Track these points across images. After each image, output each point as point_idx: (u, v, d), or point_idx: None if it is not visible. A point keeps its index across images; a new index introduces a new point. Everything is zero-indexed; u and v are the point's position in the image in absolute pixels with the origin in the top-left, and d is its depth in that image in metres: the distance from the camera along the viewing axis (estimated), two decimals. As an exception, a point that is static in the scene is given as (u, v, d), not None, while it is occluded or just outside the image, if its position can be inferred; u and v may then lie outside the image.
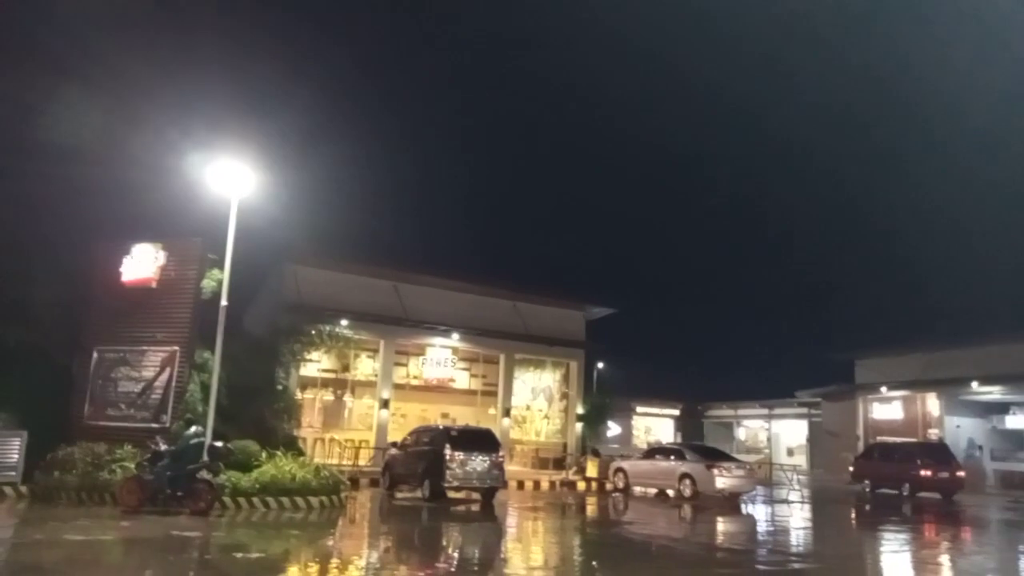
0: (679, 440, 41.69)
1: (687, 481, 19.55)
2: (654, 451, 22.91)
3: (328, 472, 14.58)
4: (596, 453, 26.71)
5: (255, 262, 16.18)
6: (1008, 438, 32.03)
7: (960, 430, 31.57)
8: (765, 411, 45.38)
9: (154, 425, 14.46)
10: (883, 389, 33.47)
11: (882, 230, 79.42)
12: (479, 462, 16.27)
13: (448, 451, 16.06)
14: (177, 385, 14.87)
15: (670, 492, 20.38)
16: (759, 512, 18.64)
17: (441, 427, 18.46)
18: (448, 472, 15.93)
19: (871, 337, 36.09)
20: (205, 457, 12.39)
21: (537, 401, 29.56)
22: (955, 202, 75.20)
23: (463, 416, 25.61)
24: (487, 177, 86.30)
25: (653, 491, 21.34)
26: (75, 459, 13.37)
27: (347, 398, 26.69)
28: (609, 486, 22.40)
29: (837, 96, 76.21)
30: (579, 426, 28.76)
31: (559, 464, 26.53)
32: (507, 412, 27.08)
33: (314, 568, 9.17)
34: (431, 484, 16.17)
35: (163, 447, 12.35)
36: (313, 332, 19.79)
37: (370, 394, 26.03)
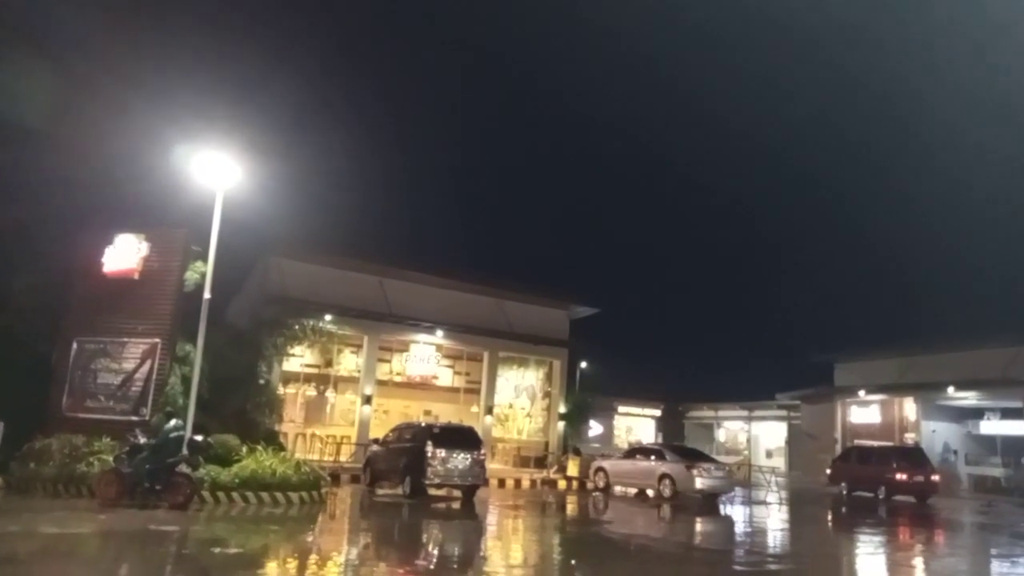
0: (660, 440, 41.96)
1: (667, 481, 19.70)
2: (634, 451, 23.05)
3: (309, 468, 14.53)
4: (577, 452, 26.82)
5: (239, 255, 16.16)
6: (982, 443, 32.53)
7: (936, 435, 32.02)
8: (745, 413, 45.77)
9: (134, 417, 14.35)
10: (861, 392, 33.85)
11: (865, 235, 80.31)
12: (460, 459, 16.29)
13: (430, 448, 16.06)
14: (158, 377, 14.76)
15: (650, 492, 20.52)
16: (737, 513, 18.82)
17: (423, 424, 18.47)
18: (429, 469, 15.94)
19: (851, 341, 36.46)
20: (184, 451, 12.32)
21: (520, 399, 29.62)
22: (938, 209, 76.22)
23: (446, 413, 25.62)
24: (475, 174, 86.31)
25: (633, 491, 21.47)
26: (52, 450, 13.25)
27: (329, 393, 26.61)
28: (590, 485, 22.51)
29: (823, 102, 76.89)
30: (561, 425, 28.85)
31: (540, 463, 26.61)
32: (490, 410, 27.11)
33: (292, 564, 9.15)
34: (412, 481, 16.17)
35: (142, 440, 12.25)
36: (297, 326, 19.72)
37: (353, 390, 25.96)
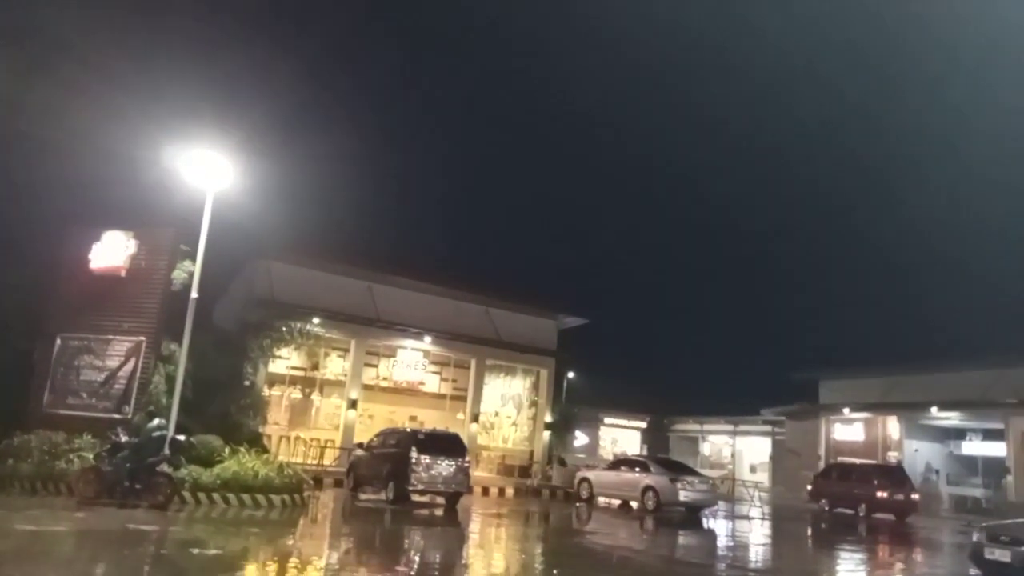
0: (645, 452, 41.96)
1: (650, 493, 19.69)
2: (619, 462, 23.04)
3: (292, 471, 14.45)
4: (562, 462, 26.79)
5: (228, 255, 16.12)
6: (963, 463, 32.76)
7: (919, 454, 32.21)
8: (730, 427, 45.85)
9: (116, 416, 14.23)
10: (845, 410, 34.03)
11: (854, 253, 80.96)
12: (445, 466, 16.24)
13: (414, 454, 16.01)
14: (141, 376, 14.67)
15: (634, 504, 20.51)
16: (720, 527, 18.84)
17: (408, 430, 18.41)
18: (413, 475, 15.88)
19: (836, 358, 36.67)
20: (166, 450, 12.22)
21: (506, 408, 29.56)
22: (926, 231, 77.01)
23: (431, 420, 25.53)
24: (467, 182, 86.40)
25: (617, 502, 21.46)
26: (31, 447, 13.11)
27: (315, 397, 26.46)
28: (574, 495, 22.48)
29: (812, 121, 77.57)
30: (547, 434, 28.81)
31: (525, 472, 26.54)
32: (475, 418, 27.05)
33: (272, 567, 9.09)
34: (395, 486, 16.10)
35: (124, 438, 12.15)
36: (284, 328, 19.65)
37: (338, 394, 25.83)
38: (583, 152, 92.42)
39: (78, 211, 16.12)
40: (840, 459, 31.52)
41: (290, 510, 13.43)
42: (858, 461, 29.29)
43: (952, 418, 31.29)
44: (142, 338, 14.87)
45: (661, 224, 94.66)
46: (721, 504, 22.86)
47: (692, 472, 21.35)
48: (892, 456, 31.93)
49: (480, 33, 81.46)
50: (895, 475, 25.52)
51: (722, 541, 16.34)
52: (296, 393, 26.14)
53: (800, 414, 37.33)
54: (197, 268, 13.59)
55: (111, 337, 14.95)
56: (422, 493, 16.52)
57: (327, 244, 26.17)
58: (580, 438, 38.79)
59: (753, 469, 44.11)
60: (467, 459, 17.08)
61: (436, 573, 9.79)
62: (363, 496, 17.43)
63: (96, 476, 11.84)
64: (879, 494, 24.05)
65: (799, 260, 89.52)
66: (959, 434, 33.26)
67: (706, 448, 49.01)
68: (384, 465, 16.77)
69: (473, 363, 27.48)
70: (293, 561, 9.48)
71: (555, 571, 10.79)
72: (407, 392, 26.97)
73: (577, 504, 21.48)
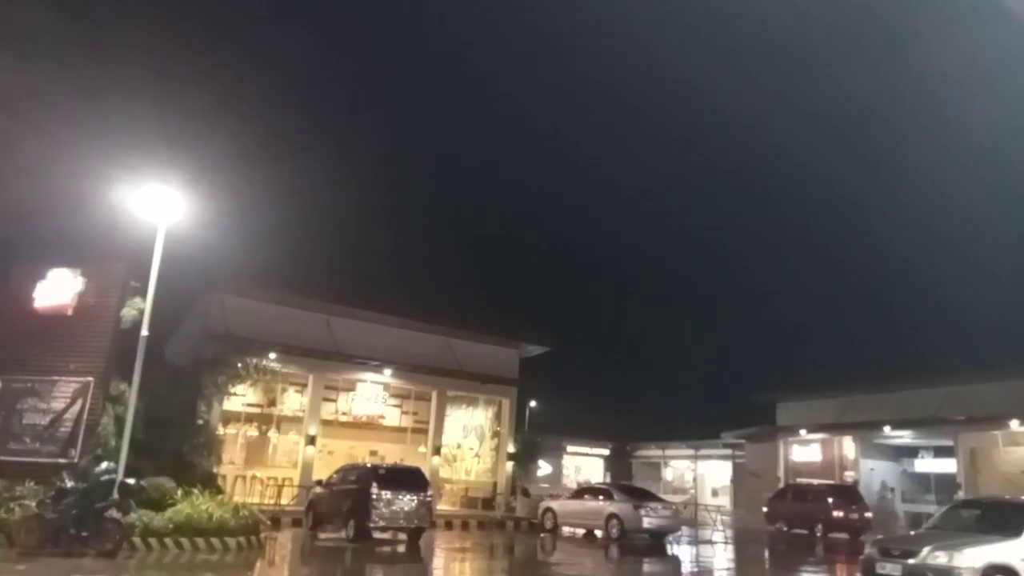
0: (608, 480, 41.97)
1: (614, 521, 19.66)
2: (583, 491, 23.00)
3: (248, 512, 14.04)
4: (526, 493, 26.59)
5: (181, 290, 15.77)
6: (917, 480, 33.57)
7: (874, 472, 32.91)
8: (691, 452, 46.26)
9: (61, 460, 13.67)
10: (802, 432, 34.63)
11: (807, 279, 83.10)
12: (407, 501, 15.99)
13: (375, 490, 15.73)
14: (89, 418, 14.15)
15: (598, 532, 20.44)
16: (684, 553, 18.88)
17: (368, 465, 18.11)
18: (374, 512, 15.59)
19: (793, 381, 37.32)
20: (116, 494, 11.77)
21: (468, 439, 29.30)
22: (871, 252, 79.59)
23: (393, 454, 25.13)
24: (424, 210, 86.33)
25: (582, 531, 21.35)
26: (-31, 496, 12.47)
27: (272, 434, 25.85)
28: (538, 525, 22.30)
29: (768, 147, 79.94)
30: (510, 465, 28.59)
31: (488, 503, 26.25)
32: (437, 450, 26.72)
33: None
34: (356, 524, 15.76)
35: (70, 484, 11.67)
36: (239, 364, 19.23)
37: (296, 430, 25.28)
38: (542, 178, 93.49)
39: (22, 248, 15.62)
40: (798, 480, 32.00)
41: (246, 553, 13.02)
42: (815, 482, 29.76)
43: (905, 436, 32.10)
44: (90, 378, 14.38)
45: (621, 251, 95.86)
46: (684, 529, 22.94)
47: (655, 498, 21.41)
48: (849, 476, 32.56)
49: (440, 58, 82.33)
50: (848, 494, 26.01)
51: (686, 567, 16.38)
52: (252, 431, 25.50)
53: (759, 437, 37.88)
54: (148, 305, 13.25)
55: (57, 378, 14.43)
56: (384, 530, 16.21)
57: (284, 277, 25.76)
58: (543, 467, 38.57)
59: (715, 493, 44.48)
60: (429, 493, 16.86)
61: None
62: (323, 535, 17.02)
63: (39, 524, 11.32)
64: (834, 514, 24.45)
65: (755, 283, 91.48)
66: (912, 452, 34.13)
67: (668, 473, 49.30)
68: (344, 502, 16.43)
69: (434, 395, 27.22)
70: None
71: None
72: (367, 426, 26.55)
73: (542, 535, 21.32)
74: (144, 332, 13.00)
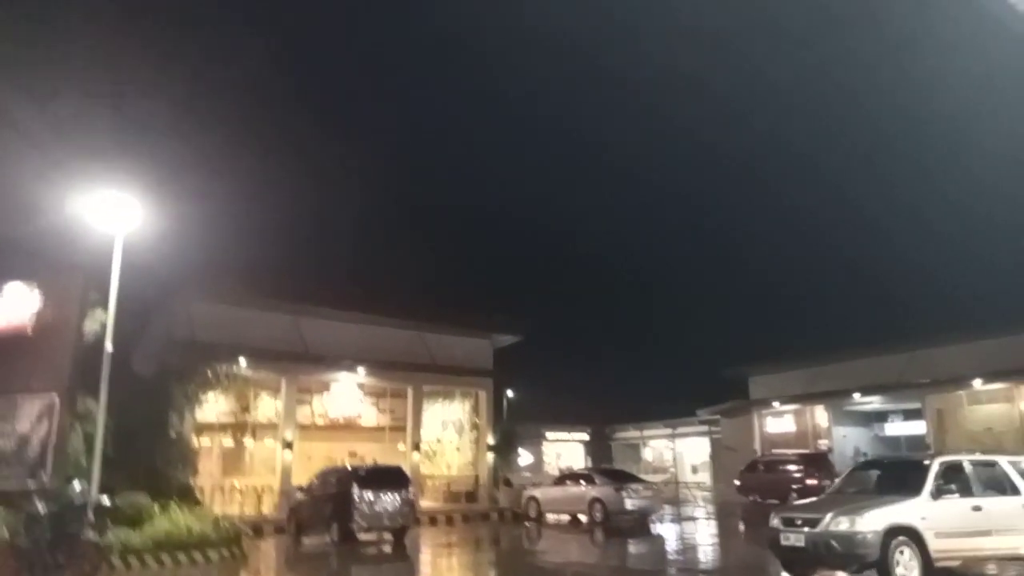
0: (589, 464, 42.27)
1: (598, 505, 19.79)
2: (565, 477, 23.10)
3: (228, 522, 13.80)
4: (508, 483, 26.63)
5: (143, 300, 15.29)
6: (889, 444, 34.39)
7: (847, 439, 33.63)
8: (669, 431, 46.80)
9: (31, 484, 13.22)
10: (775, 403, 35.24)
11: (768, 250, 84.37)
12: (389, 501, 15.87)
13: (356, 491, 15.59)
14: (57, 438, 13.71)
15: (582, 517, 20.56)
16: (668, 531, 19.08)
17: (348, 467, 17.95)
18: (357, 513, 15.45)
19: (763, 354, 37.90)
20: (90, 516, 11.43)
21: (447, 433, 29.19)
22: (836, 221, 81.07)
23: (372, 453, 24.92)
24: (386, 205, 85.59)
25: (566, 517, 21.45)
26: (-66, 528, 12.00)
27: (248, 441, 25.43)
28: (522, 515, 22.35)
29: (737, 127, 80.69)
30: (490, 456, 28.60)
31: (472, 497, 26.23)
32: (417, 446, 26.57)
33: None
34: (339, 527, 15.62)
35: (42, 509, 11.30)
36: (208, 372, 18.85)
37: (272, 436, 24.90)
38: (507, 164, 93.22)
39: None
40: (768, 452, 32.49)
41: (230, 564, 12.81)
42: (785, 452, 30.17)
43: (874, 402, 32.84)
44: (55, 396, 13.92)
45: (586, 234, 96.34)
46: (667, 508, 23.20)
47: (636, 480, 21.61)
48: (822, 443, 33.22)
49: (407, 53, 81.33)
50: (816, 462, 26.50)
51: (670, 545, 16.55)
52: (227, 439, 25.07)
53: (733, 411, 38.46)
54: (110, 316, 12.84)
55: (19, 399, 13.96)
56: (368, 531, 16.07)
57: (249, 279, 25.28)
58: (524, 456, 38.73)
59: (695, 470, 45.11)
60: (412, 490, 16.77)
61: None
62: (307, 541, 16.83)
63: (12, 554, 10.95)
64: (807, 482, 24.91)
65: (721, 260, 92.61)
66: (882, 417, 34.94)
67: (648, 454, 49.86)
68: (326, 506, 16.26)
69: (410, 391, 27.04)
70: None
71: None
72: (344, 428, 26.28)
73: (526, 524, 21.37)
74: (108, 345, 12.60)
